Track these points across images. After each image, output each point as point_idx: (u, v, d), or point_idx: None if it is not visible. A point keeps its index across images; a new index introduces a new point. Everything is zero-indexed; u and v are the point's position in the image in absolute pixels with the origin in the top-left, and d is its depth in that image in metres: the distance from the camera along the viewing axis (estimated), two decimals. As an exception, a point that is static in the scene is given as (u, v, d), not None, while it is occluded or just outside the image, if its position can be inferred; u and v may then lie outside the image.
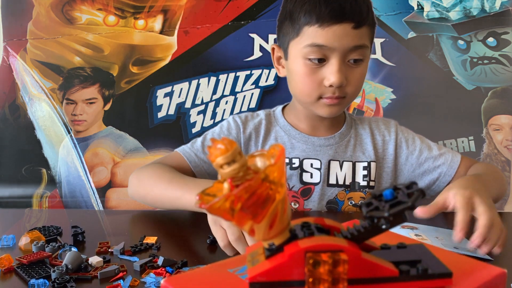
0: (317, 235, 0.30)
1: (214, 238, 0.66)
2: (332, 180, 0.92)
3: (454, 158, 0.92)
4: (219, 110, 1.53)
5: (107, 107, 1.58)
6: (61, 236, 0.70)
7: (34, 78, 1.59)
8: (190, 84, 1.55)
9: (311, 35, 0.80)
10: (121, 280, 0.54)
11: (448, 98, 1.43)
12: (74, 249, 0.61)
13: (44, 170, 1.62)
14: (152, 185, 0.82)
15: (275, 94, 1.49)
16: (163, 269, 0.56)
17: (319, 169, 0.92)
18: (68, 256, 0.57)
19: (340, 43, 0.79)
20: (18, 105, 1.61)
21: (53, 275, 0.54)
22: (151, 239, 0.67)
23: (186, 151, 0.90)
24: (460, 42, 1.42)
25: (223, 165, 0.28)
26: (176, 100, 1.56)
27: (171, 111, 1.56)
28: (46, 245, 0.63)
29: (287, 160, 0.91)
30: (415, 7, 1.41)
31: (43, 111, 1.60)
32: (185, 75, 1.54)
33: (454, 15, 1.40)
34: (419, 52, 1.43)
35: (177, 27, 1.53)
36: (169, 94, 1.56)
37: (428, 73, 1.43)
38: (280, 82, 1.48)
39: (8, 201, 1.61)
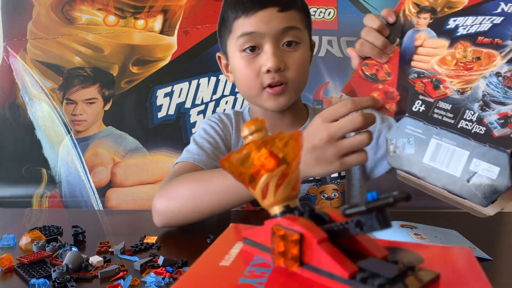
0: (305, 217, 0.33)
1: (214, 237, 0.66)
2: None
3: None
4: (219, 110, 1.53)
5: (107, 107, 1.58)
6: (61, 236, 0.70)
7: (34, 78, 1.59)
8: (190, 84, 1.55)
9: (240, 27, 0.82)
10: (122, 280, 0.54)
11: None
12: (74, 249, 0.61)
13: (44, 170, 1.62)
14: (202, 189, 0.72)
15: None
16: (163, 269, 0.56)
17: None
18: (69, 256, 0.57)
19: (268, 27, 0.80)
20: (18, 105, 1.61)
21: (54, 275, 0.54)
22: (151, 239, 0.67)
23: (193, 158, 0.84)
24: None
25: (245, 136, 0.34)
26: (176, 100, 1.56)
27: (171, 111, 1.57)
28: (46, 245, 0.63)
29: None
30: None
31: (43, 111, 1.61)
32: (185, 75, 1.54)
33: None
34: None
35: (177, 27, 1.54)
36: (169, 94, 1.56)
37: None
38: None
39: (8, 201, 1.62)
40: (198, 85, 1.54)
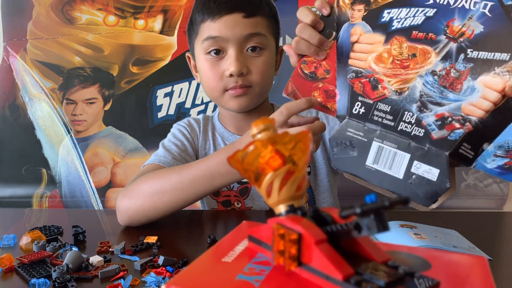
0: (307, 218, 0.32)
1: (214, 237, 0.66)
2: None
3: None
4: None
5: (107, 107, 1.58)
6: (61, 236, 0.70)
7: (34, 78, 1.59)
8: (190, 84, 1.55)
9: (206, 30, 0.84)
10: (122, 280, 0.54)
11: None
12: (74, 249, 0.61)
13: (44, 170, 1.62)
14: (160, 185, 0.74)
15: (274, 94, 1.49)
16: (164, 269, 0.56)
17: None
18: (69, 256, 0.57)
19: (232, 32, 0.82)
20: (18, 105, 1.62)
21: (54, 275, 0.54)
22: (151, 239, 0.67)
23: (159, 160, 0.85)
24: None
25: (254, 135, 0.33)
26: (176, 100, 1.56)
27: (171, 111, 1.57)
28: (47, 245, 0.63)
29: None
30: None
31: (43, 111, 1.61)
32: (185, 75, 1.54)
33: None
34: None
35: (177, 27, 1.54)
36: (169, 94, 1.56)
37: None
38: (280, 82, 1.48)
39: (8, 201, 1.62)
40: (198, 85, 1.54)
